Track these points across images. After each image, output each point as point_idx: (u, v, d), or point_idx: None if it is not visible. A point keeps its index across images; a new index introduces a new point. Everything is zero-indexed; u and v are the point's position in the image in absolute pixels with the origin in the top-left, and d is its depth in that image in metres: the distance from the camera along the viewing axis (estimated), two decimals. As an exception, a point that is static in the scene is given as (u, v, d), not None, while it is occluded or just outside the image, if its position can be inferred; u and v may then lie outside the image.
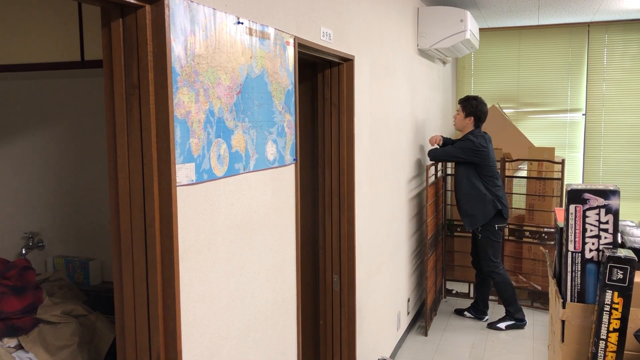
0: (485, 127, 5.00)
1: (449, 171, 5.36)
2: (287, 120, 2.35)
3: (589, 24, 6.14)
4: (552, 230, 4.95)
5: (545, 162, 5.14)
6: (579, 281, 2.36)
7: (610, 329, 2.21)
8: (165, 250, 1.66)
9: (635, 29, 6.02)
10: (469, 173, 4.48)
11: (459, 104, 4.59)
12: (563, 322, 2.37)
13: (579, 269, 2.35)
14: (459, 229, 5.40)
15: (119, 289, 1.74)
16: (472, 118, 4.48)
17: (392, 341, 4.14)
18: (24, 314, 2.47)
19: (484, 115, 4.55)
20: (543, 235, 5.05)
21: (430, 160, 4.57)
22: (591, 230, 2.32)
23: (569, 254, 2.36)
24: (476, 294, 4.97)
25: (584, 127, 6.29)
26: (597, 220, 2.31)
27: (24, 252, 3.18)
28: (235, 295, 2.03)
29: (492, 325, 4.73)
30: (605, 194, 2.29)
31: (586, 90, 6.25)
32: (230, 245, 1.98)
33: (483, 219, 4.49)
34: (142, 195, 1.66)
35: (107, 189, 1.72)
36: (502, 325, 4.71)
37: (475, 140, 4.41)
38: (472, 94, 5.01)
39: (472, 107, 4.47)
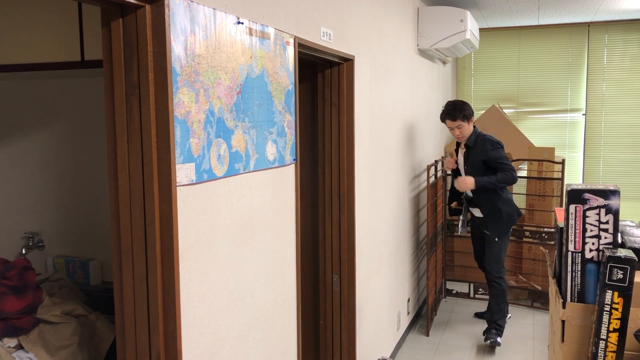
0: (485, 127, 5.01)
1: (449, 171, 5.36)
2: (287, 120, 2.35)
3: (589, 24, 6.14)
4: (552, 230, 4.95)
5: (545, 162, 5.14)
6: (579, 281, 2.36)
7: (610, 329, 2.21)
8: (165, 250, 1.66)
9: (635, 29, 6.02)
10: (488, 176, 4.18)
11: (455, 119, 4.14)
12: (563, 322, 2.37)
13: (579, 269, 2.35)
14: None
15: (119, 289, 1.74)
16: (472, 118, 4.23)
17: (392, 341, 4.14)
18: (24, 314, 2.47)
19: None
20: (543, 235, 5.05)
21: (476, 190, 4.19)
22: (591, 230, 2.32)
23: (569, 254, 2.36)
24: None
25: (584, 127, 6.29)
26: (597, 220, 2.31)
27: (24, 252, 3.18)
28: (235, 295, 2.03)
29: (494, 343, 4.28)
30: (605, 194, 2.29)
31: (586, 90, 6.25)
32: (230, 245, 1.98)
33: (510, 222, 4.26)
34: (142, 195, 1.66)
35: (107, 189, 1.72)
36: (499, 340, 4.31)
37: (494, 138, 4.20)
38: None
39: (468, 110, 4.18)
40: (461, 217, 4.49)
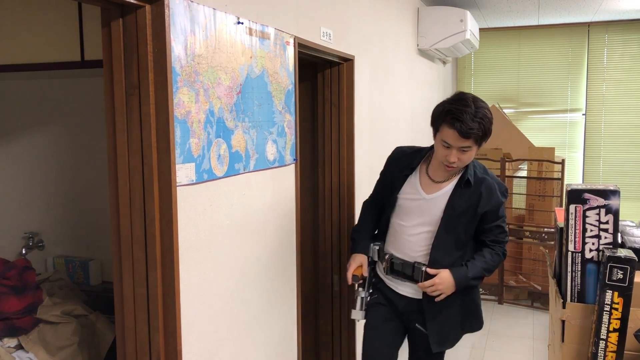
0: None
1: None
2: (287, 120, 2.35)
3: (589, 24, 6.14)
4: (552, 230, 4.95)
5: (545, 162, 5.14)
6: (579, 281, 2.36)
7: (610, 329, 2.21)
8: (165, 250, 1.66)
9: (635, 29, 6.02)
10: (470, 242, 2.35)
11: (469, 136, 2.11)
12: (563, 322, 2.37)
13: (579, 269, 2.35)
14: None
15: (119, 289, 1.74)
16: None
17: (392, 341, 4.13)
18: (24, 314, 2.48)
19: None
20: (543, 235, 5.04)
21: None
22: (591, 230, 2.32)
23: (569, 254, 2.36)
24: None
25: (584, 127, 6.30)
26: (597, 220, 2.31)
27: (24, 252, 3.18)
28: (235, 295, 2.03)
29: None
30: (605, 194, 2.29)
31: (586, 90, 6.25)
32: (230, 245, 1.98)
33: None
34: (142, 195, 1.66)
35: (107, 189, 1.72)
36: None
37: (502, 184, 2.35)
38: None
39: (490, 124, 2.19)
40: (361, 294, 2.44)
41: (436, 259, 2.26)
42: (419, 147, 2.46)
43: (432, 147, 2.29)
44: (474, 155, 2.22)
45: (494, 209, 2.27)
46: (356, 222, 2.73)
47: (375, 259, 2.45)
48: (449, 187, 2.27)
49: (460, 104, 2.15)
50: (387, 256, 2.37)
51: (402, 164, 2.39)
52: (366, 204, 2.57)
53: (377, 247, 2.44)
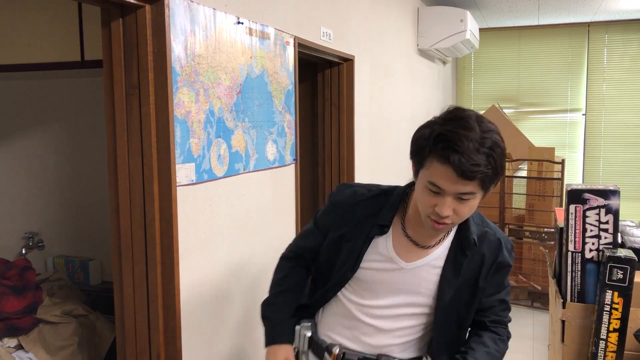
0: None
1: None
2: (287, 120, 2.35)
3: (589, 24, 6.14)
4: (552, 230, 4.95)
5: (545, 162, 5.14)
6: (579, 281, 2.36)
7: (610, 329, 2.21)
8: (165, 250, 1.66)
9: (635, 29, 6.02)
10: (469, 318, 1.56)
11: (474, 176, 1.25)
12: (563, 322, 2.37)
13: (579, 269, 2.35)
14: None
15: (119, 289, 1.74)
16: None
17: (392, 341, 4.13)
18: (24, 314, 2.47)
19: None
20: (543, 235, 5.04)
21: None
22: (591, 230, 2.32)
23: (569, 254, 2.36)
24: None
25: (584, 127, 6.30)
26: (597, 220, 2.31)
27: (24, 252, 3.18)
28: (236, 295, 2.03)
29: None
30: (605, 194, 2.29)
31: (586, 90, 6.25)
32: (230, 245, 1.98)
33: None
34: (142, 195, 1.66)
35: (107, 189, 1.72)
36: None
37: (508, 239, 1.57)
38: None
39: (504, 162, 1.32)
40: None
41: (440, 348, 1.53)
42: (383, 188, 1.61)
43: (408, 186, 1.54)
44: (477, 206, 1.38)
45: (498, 276, 1.53)
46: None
47: (305, 348, 1.57)
48: (440, 249, 1.48)
49: (458, 125, 1.32)
50: (335, 349, 1.51)
51: (359, 215, 1.52)
52: (285, 264, 1.63)
53: (308, 333, 1.57)
